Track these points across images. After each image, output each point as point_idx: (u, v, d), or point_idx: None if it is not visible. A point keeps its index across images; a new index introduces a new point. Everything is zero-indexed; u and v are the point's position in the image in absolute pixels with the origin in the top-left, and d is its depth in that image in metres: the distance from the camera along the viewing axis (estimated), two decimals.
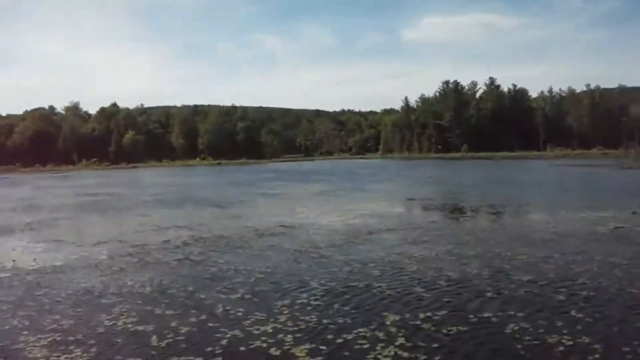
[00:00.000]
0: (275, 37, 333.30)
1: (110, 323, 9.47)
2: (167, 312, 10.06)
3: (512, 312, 9.50)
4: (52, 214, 28.80)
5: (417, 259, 14.07)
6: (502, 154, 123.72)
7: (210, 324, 9.23)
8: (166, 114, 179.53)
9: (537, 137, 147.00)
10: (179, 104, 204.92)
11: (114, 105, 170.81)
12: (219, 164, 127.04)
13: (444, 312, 9.66)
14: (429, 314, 9.53)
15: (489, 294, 10.76)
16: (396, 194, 35.95)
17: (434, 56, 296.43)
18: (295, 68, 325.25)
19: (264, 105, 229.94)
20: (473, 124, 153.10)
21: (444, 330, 8.65)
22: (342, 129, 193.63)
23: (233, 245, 16.89)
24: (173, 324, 9.29)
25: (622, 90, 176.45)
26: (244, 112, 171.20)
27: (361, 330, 8.70)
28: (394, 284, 11.64)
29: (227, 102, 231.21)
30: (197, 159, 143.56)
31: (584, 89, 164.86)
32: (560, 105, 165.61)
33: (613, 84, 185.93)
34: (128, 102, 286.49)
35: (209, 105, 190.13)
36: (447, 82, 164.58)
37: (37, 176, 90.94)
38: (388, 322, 9.08)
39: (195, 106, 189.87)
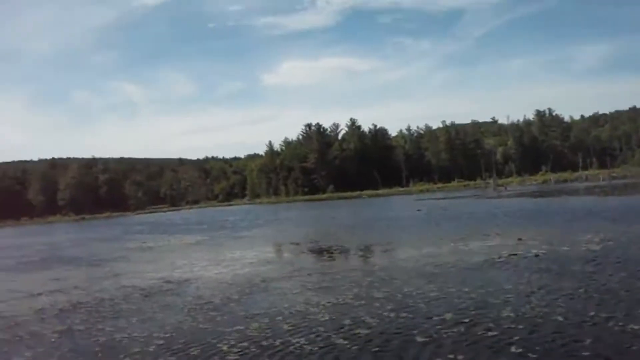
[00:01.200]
0: (134, 85, 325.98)
1: None
2: None
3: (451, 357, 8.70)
4: None
5: (326, 307, 13.02)
6: (367, 192, 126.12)
7: None
8: (22, 169, 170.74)
9: (400, 173, 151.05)
10: (35, 158, 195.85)
11: None
12: (83, 218, 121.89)
13: None
14: None
15: (418, 338, 9.94)
16: (276, 239, 35.08)
17: (295, 100, 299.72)
18: (155, 116, 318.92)
19: (126, 156, 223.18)
20: (337, 165, 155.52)
21: None
22: (207, 177, 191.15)
23: (119, 309, 15.10)
24: None
25: (475, 125, 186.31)
26: (105, 164, 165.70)
27: None
28: (312, 338, 10.53)
29: (86, 154, 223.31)
30: (58, 215, 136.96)
31: (440, 125, 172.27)
32: (419, 142, 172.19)
33: (466, 120, 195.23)
34: None
35: (67, 158, 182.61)
36: (309, 125, 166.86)
37: None
38: None
39: (53, 159, 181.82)
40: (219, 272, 21.01)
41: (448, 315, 11.31)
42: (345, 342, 10.12)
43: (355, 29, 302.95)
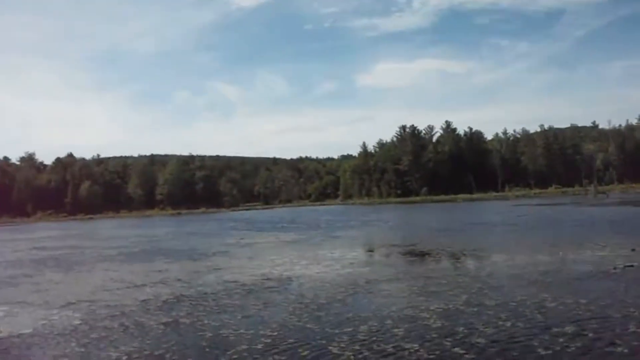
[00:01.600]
0: (231, 85, 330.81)
1: None
2: None
3: None
4: (10, 271, 26.45)
5: (437, 313, 12.52)
6: (462, 196, 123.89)
7: None
8: (123, 164, 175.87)
9: (495, 178, 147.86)
10: (135, 154, 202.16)
11: (70, 155, 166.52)
12: (179, 213, 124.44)
13: None
14: None
15: (539, 351, 9.37)
16: (373, 240, 34.65)
17: (389, 101, 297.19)
18: (251, 116, 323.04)
19: (221, 154, 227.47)
20: (431, 168, 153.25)
21: None
22: (300, 176, 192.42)
23: (222, 304, 15.03)
24: None
25: (574, 129, 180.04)
26: (202, 161, 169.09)
27: None
28: (425, 344, 10.10)
29: (183, 151, 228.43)
30: (156, 209, 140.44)
31: (538, 129, 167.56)
32: (515, 146, 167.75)
33: (565, 124, 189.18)
34: (84, 152, 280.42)
35: (165, 155, 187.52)
36: (404, 127, 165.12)
37: None
38: None
39: (152, 155, 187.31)
40: (320, 271, 20.75)
41: (568, 328, 10.67)
42: (462, 350, 9.64)
43: (451, 30, 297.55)
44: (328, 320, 12.47)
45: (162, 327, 12.67)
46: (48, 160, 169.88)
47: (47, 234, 62.84)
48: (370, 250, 28.66)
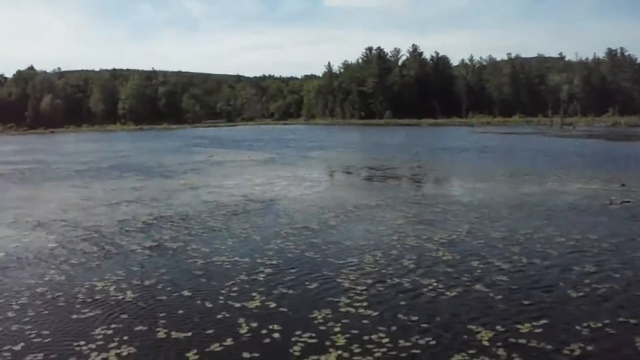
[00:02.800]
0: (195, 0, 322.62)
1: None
2: (173, 334, 7.19)
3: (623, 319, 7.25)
4: None
5: (443, 245, 11.61)
6: (426, 120, 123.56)
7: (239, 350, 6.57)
8: (84, 78, 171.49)
9: (460, 104, 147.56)
10: (96, 68, 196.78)
11: (31, 68, 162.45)
12: (141, 129, 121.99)
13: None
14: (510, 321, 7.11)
15: (571, 294, 8.48)
16: (349, 162, 33.38)
17: (355, 22, 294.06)
18: (215, 32, 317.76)
19: (184, 70, 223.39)
20: (396, 91, 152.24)
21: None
22: (263, 95, 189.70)
23: (208, 227, 14.00)
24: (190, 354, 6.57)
25: (541, 60, 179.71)
26: (164, 77, 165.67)
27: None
28: (444, 281, 9.22)
29: (146, 66, 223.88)
30: (118, 124, 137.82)
31: (505, 57, 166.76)
32: (481, 73, 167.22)
33: (532, 54, 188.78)
34: (45, 65, 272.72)
35: (127, 70, 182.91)
36: (370, 49, 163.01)
37: None
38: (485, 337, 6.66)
39: (114, 70, 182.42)
40: (302, 193, 19.85)
41: (590, 267, 9.86)
42: (485, 288, 8.79)
43: None
44: (328, 248, 11.53)
45: (147, 252, 11.58)
46: (8, 73, 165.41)
47: (8, 148, 60.08)
48: (348, 172, 27.55)
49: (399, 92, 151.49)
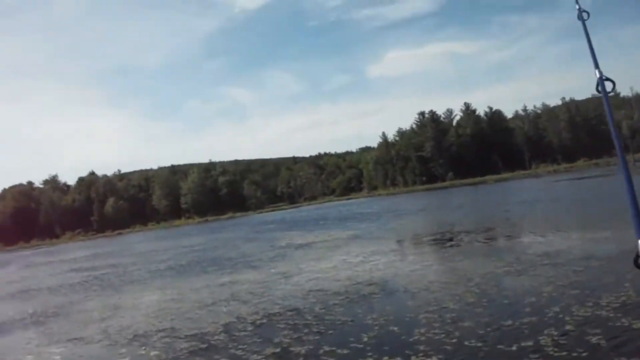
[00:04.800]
0: (242, 88, 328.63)
1: None
2: None
3: None
4: (53, 299, 23.52)
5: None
6: (490, 177, 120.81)
7: None
8: (145, 177, 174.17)
9: (521, 156, 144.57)
10: (154, 166, 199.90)
11: (92, 173, 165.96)
12: (206, 220, 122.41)
13: None
14: None
15: None
16: (443, 227, 31.23)
17: (402, 89, 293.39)
18: (266, 117, 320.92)
19: (240, 158, 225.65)
20: (454, 152, 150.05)
21: None
22: (322, 173, 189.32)
23: (330, 322, 12.10)
24: None
25: (596, 99, 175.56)
26: (223, 167, 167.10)
27: None
28: None
29: (202, 159, 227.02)
30: (182, 218, 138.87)
31: (559, 102, 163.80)
32: (537, 122, 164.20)
33: (586, 95, 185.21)
34: (105, 169, 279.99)
35: (185, 164, 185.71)
36: (422, 113, 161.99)
37: (22, 254, 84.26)
38: None
39: (173, 166, 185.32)
40: (412, 269, 17.95)
41: None
42: None
43: (459, 11, 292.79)
44: (494, 334, 9.60)
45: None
46: (70, 180, 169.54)
47: (79, 253, 59.83)
48: (449, 239, 25.55)
49: (458, 152, 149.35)
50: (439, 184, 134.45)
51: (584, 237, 19.85)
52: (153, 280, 25.31)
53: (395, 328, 10.80)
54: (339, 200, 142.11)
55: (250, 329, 12.57)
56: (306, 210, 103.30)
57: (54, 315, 18.99)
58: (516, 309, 10.96)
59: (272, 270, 22.31)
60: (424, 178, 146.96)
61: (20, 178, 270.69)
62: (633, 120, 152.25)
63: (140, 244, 64.49)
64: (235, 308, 15.29)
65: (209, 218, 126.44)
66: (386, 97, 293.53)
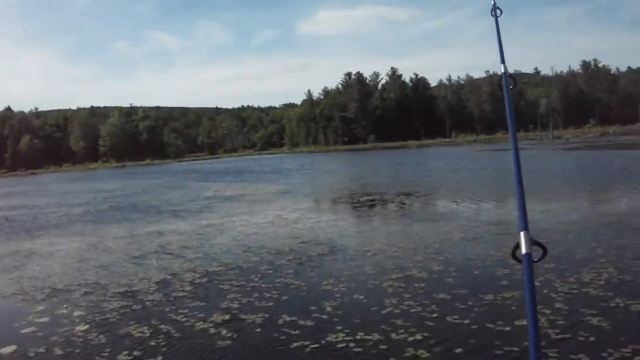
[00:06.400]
0: (170, 34, 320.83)
1: None
2: None
3: None
4: None
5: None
6: (413, 142, 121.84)
7: None
8: (63, 116, 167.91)
9: (443, 124, 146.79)
10: (74, 107, 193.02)
11: (8, 109, 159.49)
12: (124, 165, 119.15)
13: None
14: None
15: None
16: (378, 187, 30.20)
17: (332, 50, 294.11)
18: (191, 66, 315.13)
19: (162, 105, 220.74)
20: (378, 115, 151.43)
21: None
22: (244, 125, 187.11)
23: (282, 286, 10.64)
24: None
25: (518, 75, 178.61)
26: (145, 112, 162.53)
27: None
28: None
29: (123, 103, 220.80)
30: (99, 162, 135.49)
31: (483, 75, 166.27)
32: (460, 92, 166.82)
33: (509, 70, 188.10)
34: (22, 106, 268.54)
35: (105, 107, 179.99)
36: (349, 74, 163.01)
37: None
38: None
39: (92, 107, 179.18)
40: (359, 230, 16.86)
41: None
42: None
43: None
44: (471, 307, 8.48)
45: (223, 332, 8.25)
46: None
47: None
48: (386, 201, 24.53)
49: (381, 115, 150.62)
50: (360, 145, 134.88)
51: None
52: (71, 226, 23.19)
53: (361, 297, 9.50)
54: (259, 154, 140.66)
55: (188, 289, 10.97)
56: (227, 161, 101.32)
57: None
58: (492, 281, 9.89)
59: (203, 222, 20.69)
60: (346, 139, 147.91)
61: None
62: (551, 98, 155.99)
63: (55, 185, 61.19)
64: (168, 263, 13.64)
65: (127, 163, 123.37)
66: (314, 55, 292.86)
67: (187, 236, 17.67)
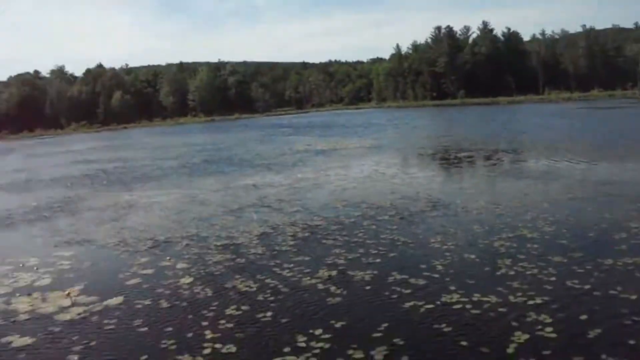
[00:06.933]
0: None
1: None
2: None
3: None
4: (59, 192, 21.55)
5: None
6: (502, 99, 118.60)
7: None
8: (153, 72, 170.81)
9: (535, 81, 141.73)
10: (163, 63, 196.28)
11: (100, 66, 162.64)
12: (213, 120, 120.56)
13: None
14: None
15: None
16: (474, 141, 29.33)
17: (420, 2, 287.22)
18: (278, 21, 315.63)
19: (249, 60, 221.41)
20: (468, 70, 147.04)
21: None
22: (331, 80, 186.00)
23: (388, 242, 10.39)
24: None
25: (616, 31, 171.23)
26: (233, 67, 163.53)
27: None
28: None
29: (211, 58, 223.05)
30: (188, 116, 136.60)
31: (579, 29, 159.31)
32: (554, 47, 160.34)
33: (607, 25, 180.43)
34: (113, 62, 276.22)
35: (194, 62, 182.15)
36: (439, 28, 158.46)
37: (26, 143, 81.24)
38: None
39: (181, 63, 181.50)
40: (461, 187, 16.38)
41: None
42: None
43: None
44: (591, 271, 8.04)
45: (332, 289, 8.08)
46: (78, 72, 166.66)
47: (86, 145, 57.51)
48: (484, 158, 23.85)
49: (472, 70, 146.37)
50: (449, 101, 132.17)
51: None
52: (166, 178, 23.50)
53: (472, 256, 9.14)
54: (347, 108, 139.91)
55: (291, 243, 10.84)
56: (315, 116, 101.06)
57: (60, 211, 17.18)
58: (610, 245, 9.37)
59: (299, 175, 20.61)
60: (435, 94, 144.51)
61: (26, 67, 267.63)
62: None
63: (147, 139, 62.16)
64: (268, 216, 13.56)
65: (216, 118, 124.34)
66: (402, 9, 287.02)
67: (283, 189, 17.61)
